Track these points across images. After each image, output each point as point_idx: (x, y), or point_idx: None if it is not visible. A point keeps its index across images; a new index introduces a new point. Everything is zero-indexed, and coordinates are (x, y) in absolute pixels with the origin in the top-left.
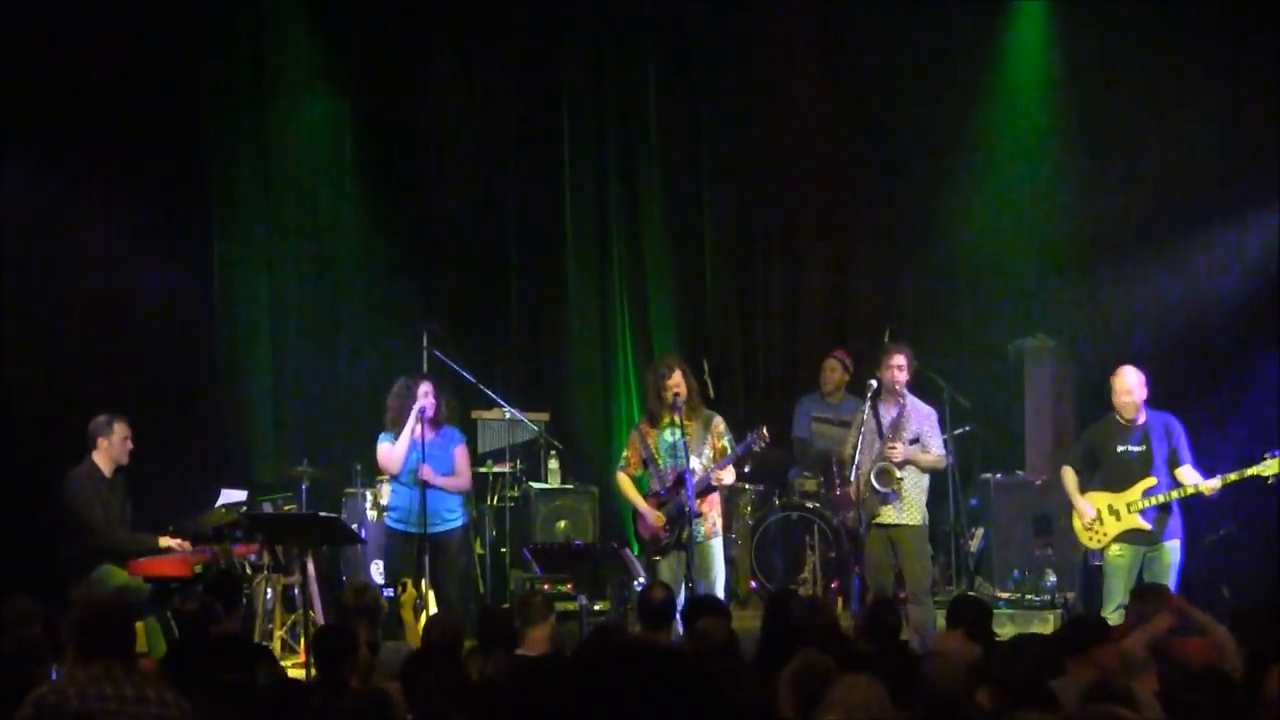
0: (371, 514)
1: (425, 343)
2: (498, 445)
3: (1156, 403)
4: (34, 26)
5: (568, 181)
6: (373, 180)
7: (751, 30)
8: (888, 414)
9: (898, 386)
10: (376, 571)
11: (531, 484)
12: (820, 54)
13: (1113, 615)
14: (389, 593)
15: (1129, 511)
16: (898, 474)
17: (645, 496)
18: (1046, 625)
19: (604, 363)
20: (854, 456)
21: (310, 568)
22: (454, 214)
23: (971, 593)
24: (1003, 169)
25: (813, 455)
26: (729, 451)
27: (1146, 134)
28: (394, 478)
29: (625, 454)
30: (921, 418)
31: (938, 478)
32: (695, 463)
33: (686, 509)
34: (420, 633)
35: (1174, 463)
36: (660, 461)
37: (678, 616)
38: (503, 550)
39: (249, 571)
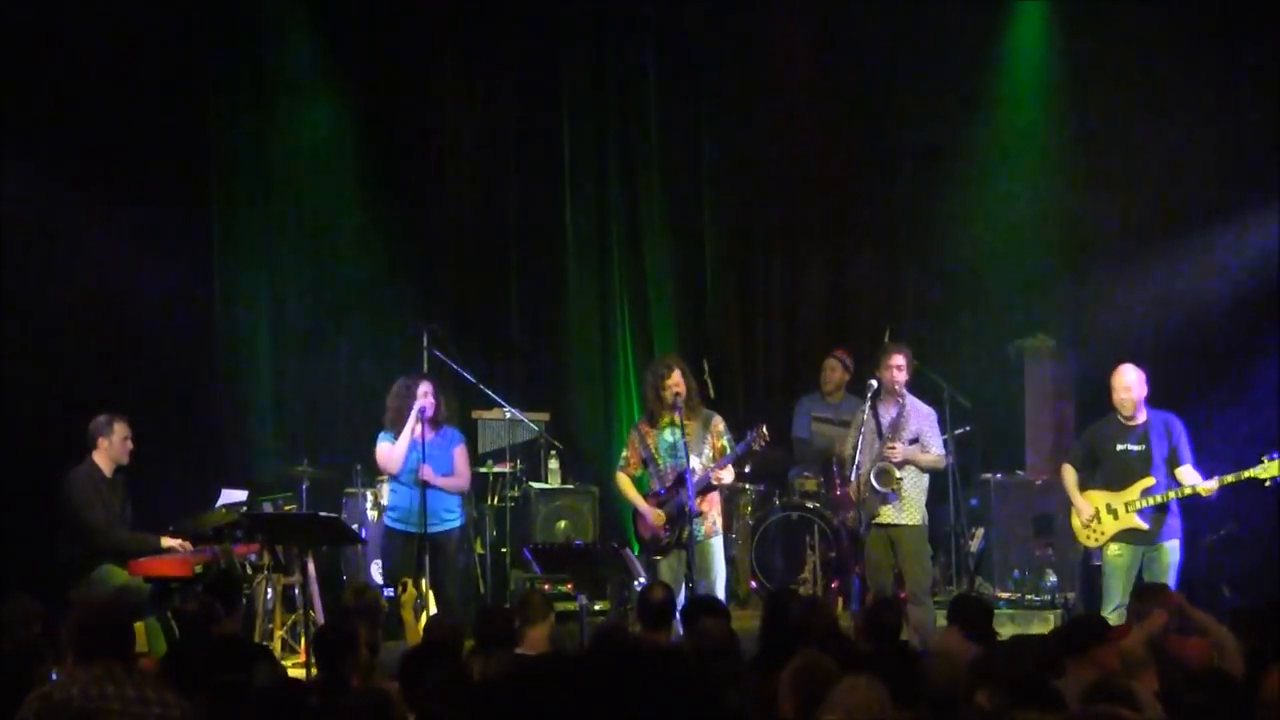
0: (372, 514)
1: (425, 343)
2: (498, 445)
3: (1156, 402)
4: (34, 26)
5: (568, 181)
6: (373, 180)
7: (751, 30)
8: (887, 414)
9: (897, 386)
10: (376, 571)
11: (531, 484)
12: (820, 54)
13: (1112, 616)
14: (389, 593)
15: (1127, 511)
16: (897, 474)
17: (645, 496)
18: (1046, 625)
19: (604, 363)
20: (854, 456)
21: (310, 568)
22: (454, 214)
23: (972, 593)
24: (1002, 169)
25: (813, 455)
26: (728, 451)
27: (1146, 134)
28: (393, 477)
29: (625, 454)
30: (921, 418)
31: (938, 478)
32: (695, 462)
33: (687, 508)
34: (420, 633)
35: (1174, 462)
36: (660, 461)
37: (678, 616)
38: (503, 550)
39: (249, 571)
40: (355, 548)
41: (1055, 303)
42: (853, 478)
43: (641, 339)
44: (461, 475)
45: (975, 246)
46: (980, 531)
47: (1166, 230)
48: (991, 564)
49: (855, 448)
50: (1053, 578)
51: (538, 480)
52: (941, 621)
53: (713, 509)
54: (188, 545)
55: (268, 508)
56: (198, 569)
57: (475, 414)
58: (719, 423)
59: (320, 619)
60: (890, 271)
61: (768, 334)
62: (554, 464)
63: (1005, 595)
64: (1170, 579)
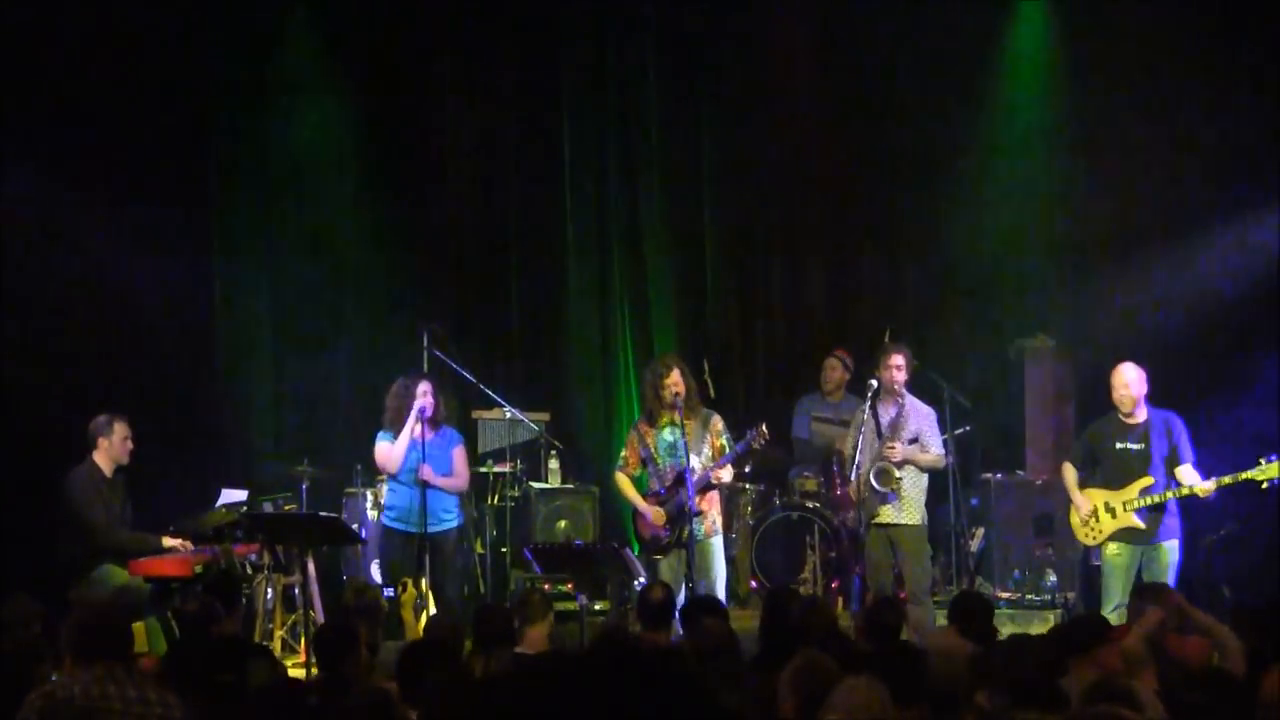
0: (372, 514)
1: (425, 343)
2: (498, 445)
3: (1156, 402)
4: (34, 26)
5: (568, 181)
6: (373, 180)
7: (751, 30)
8: (886, 414)
9: (896, 386)
10: (376, 571)
11: (532, 484)
12: (820, 54)
13: (1112, 616)
14: (389, 592)
15: (1125, 510)
16: (896, 474)
17: (644, 496)
18: (1047, 625)
19: (604, 363)
20: (854, 456)
21: (310, 568)
22: (454, 214)
23: (973, 592)
24: (1003, 169)
25: (813, 455)
26: (727, 450)
27: (1146, 134)
28: (392, 477)
29: (624, 454)
30: (920, 417)
31: (937, 477)
32: (694, 461)
33: (687, 507)
34: (420, 633)
35: (1174, 462)
36: (659, 461)
37: (677, 616)
38: (503, 550)
39: (249, 571)
40: (355, 548)
41: (1055, 303)
42: (853, 477)
43: (641, 339)
44: (460, 476)
45: (975, 246)
46: (980, 531)
47: (1166, 230)
48: (991, 564)
49: (855, 447)
50: (1053, 578)
51: (538, 480)
52: (942, 621)
53: (712, 508)
54: (188, 545)
55: (268, 508)
56: (198, 569)
57: (475, 414)
58: (718, 422)
59: (320, 619)
60: (890, 271)
61: (768, 334)
62: (554, 464)
63: (1005, 595)
64: (1169, 579)
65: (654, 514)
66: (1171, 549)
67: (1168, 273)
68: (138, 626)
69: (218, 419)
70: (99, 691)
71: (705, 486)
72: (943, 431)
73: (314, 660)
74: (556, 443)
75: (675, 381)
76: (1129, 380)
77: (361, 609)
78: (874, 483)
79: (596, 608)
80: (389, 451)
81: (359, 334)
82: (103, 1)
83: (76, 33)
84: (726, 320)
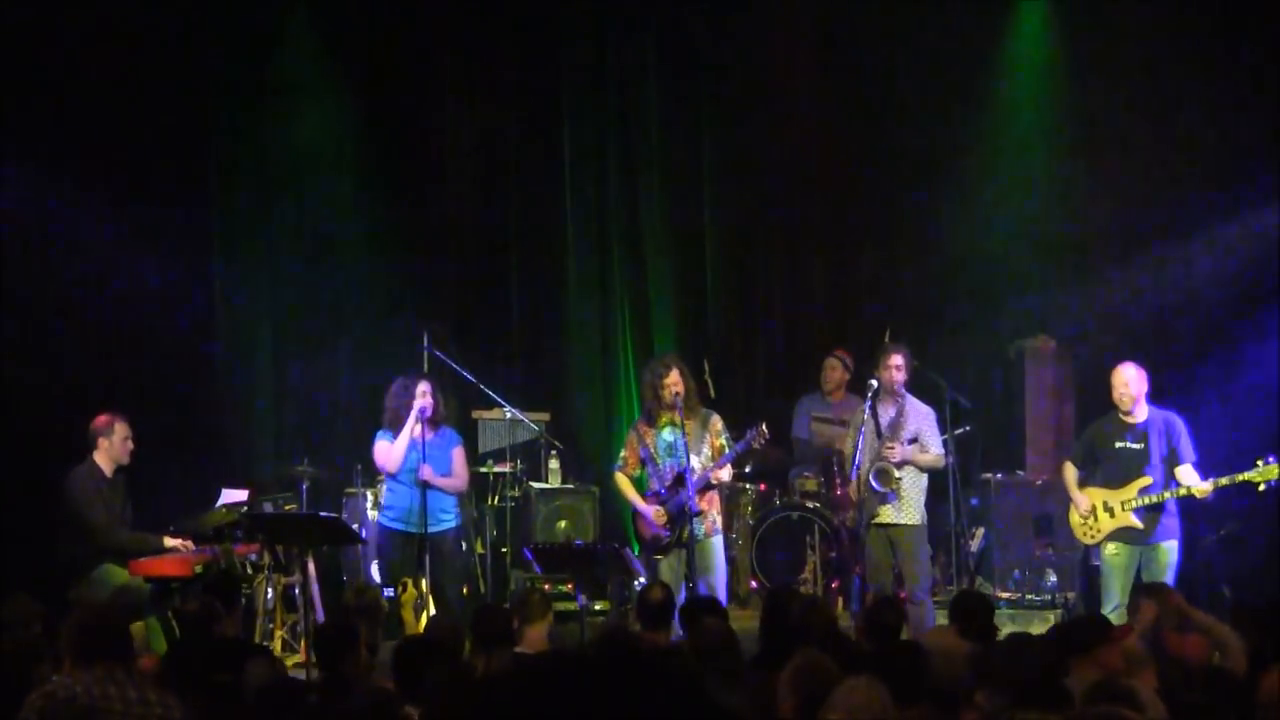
0: (372, 514)
1: (425, 343)
2: (498, 445)
3: (1155, 402)
4: (34, 26)
5: (568, 181)
6: (373, 180)
7: (752, 30)
8: (886, 414)
9: (896, 387)
10: (376, 571)
11: (532, 484)
12: (820, 54)
13: (1111, 616)
14: (389, 592)
15: (1123, 509)
16: (896, 474)
17: (644, 496)
18: (1047, 625)
19: (604, 363)
20: (854, 456)
21: (310, 568)
22: (454, 214)
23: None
24: (1003, 169)
25: (813, 455)
26: (727, 449)
27: (1145, 134)
28: (391, 476)
29: (623, 453)
30: (920, 417)
31: (937, 477)
32: (694, 461)
33: (687, 507)
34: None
35: (1173, 462)
36: (659, 461)
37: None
38: (503, 550)
39: (249, 571)
40: (355, 548)
41: (1055, 303)
42: (853, 477)
43: (641, 339)
44: (459, 476)
45: (975, 246)
46: (980, 531)
47: (1166, 230)
48: (991, 564)
49: (855, 447)
50: (1053, 578)
51: (538, 480)
52: (942, 621)
53: (712, 508)
54: (189, 545)
55: (268, 508)
56: (198, 569)
57: (475, 414)
58: (717, 421)
59: (320, 619)
60: (890, 271)
61: (768, 334)
62: (554, 464)
63: (1005, 595)
64: (1168, 580)
65: (654, 514)
66: (1170, 549)
67: (1167, 273)
68: (137, 626)
69: (218, 419)
70: (100, 692)
71: (705, 486)
72: (943, 431)
73: (314, 660)
74: (556, 443)
75: (675, 381)
76: (1129, 379)
77: (361, 609)
78: (873, 483)
79: (596, 608)
80: (388, 451)
81: (359, 334)
82: (103, 1)
83: (76, 33)
84: (726, 320)
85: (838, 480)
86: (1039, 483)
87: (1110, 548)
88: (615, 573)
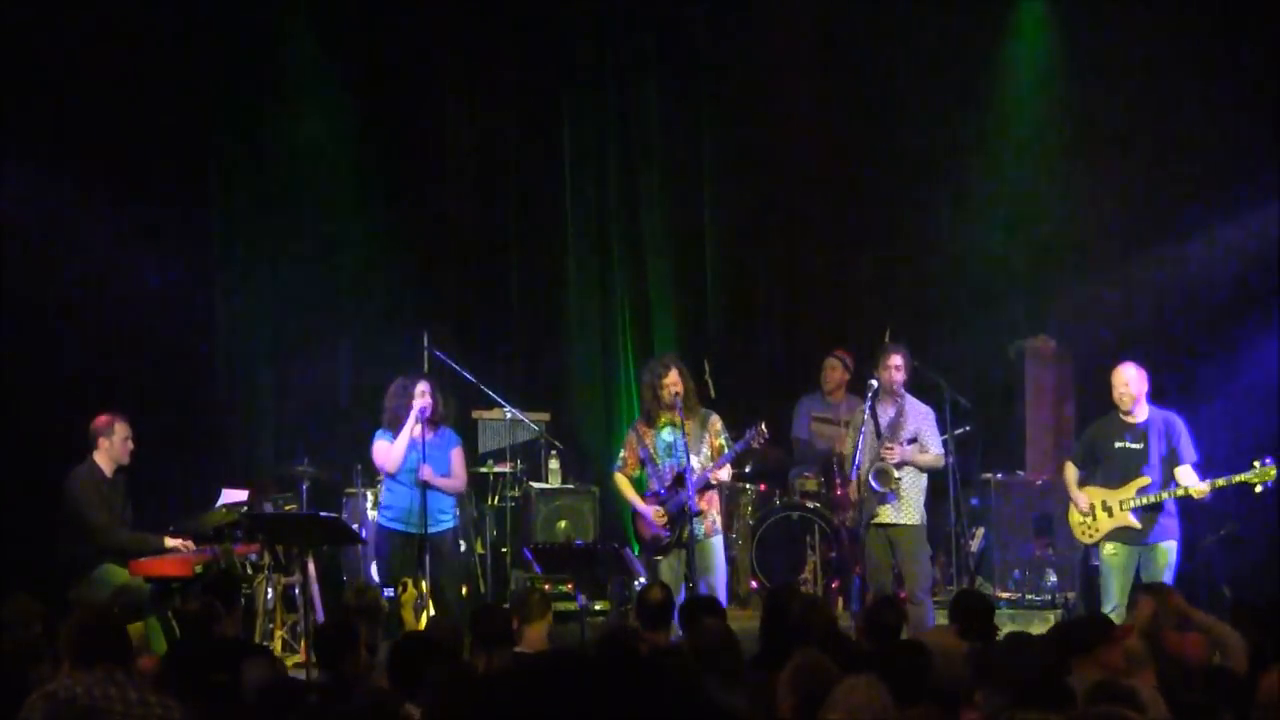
0: (372, 514)
1: (425, 343)
2: (498, 445)
3: (1155, 402)
4: (35, 26)
5: (568, 181)
6: (373, 180)
7: (752, 31)
8: (886, 414)
9: (895, 387)
10: (376, 572)
11: (532, 484)
12: (820, 54)
13: (1110, 616)
14: (388, 593)
15: (1121, 509)
16: (895, 474)
17: (644, 496)
18: (1047, 625)
19: (604, 363)
20: (854, 456)
21: (310, 568)
22: (454, 214)
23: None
24: (1003, 169)
25: (813, 455)
26: (726, 449)
27: (1146, 133)
28: (391, 476)
29: (622, 454)
30: (919, 417)
31: (937, 477)
32: (694, 461)
33: (687, 507)
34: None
35: (1173, 462)
36: (658, 461)
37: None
38: (503, 550)
39: (249, 571)
40: (355, 548)
41: (1055, 303)
42: (853, 477)
43: (641, 339)
44: (458, 477)
45: (975, 246)
46: (980, 531)
47: (1166, 230)
48: (991, 564)
49: (855, 448)
50: (1053, 578)
51: (538, 480)
52: (942, 621)
53: (712, 508)
54: (190, 545)
55: (268, 508)
56: (198, 569)
57: (475, 414)
58: (716, 421)
59: (320, 619)
60: (890, 271)
61: (768, 334)
62: (554, 464)
63: (1005, 595)
64: (1166, 580)
65: (654, 514)
66: (1169, 550)
67: (1167, 272)
68: (137, 626)
69: (218, 419)
70: (100, 693)
71: (704, 486)
72: (942, 431)
73: (314, 660)
74: (556, 443)
75: (673, 381)
76: (1129, 379)
77: (361, 609)
78: (873, 483)
79: (596, 608)
80: (388, 451)
81: (359, 334)
82: (103, 1)
83: (76, 33)
84: (726, 320)
85: (838, 480)
86: (1039, 483)
87: (1108, 547)
88: (615, 573)
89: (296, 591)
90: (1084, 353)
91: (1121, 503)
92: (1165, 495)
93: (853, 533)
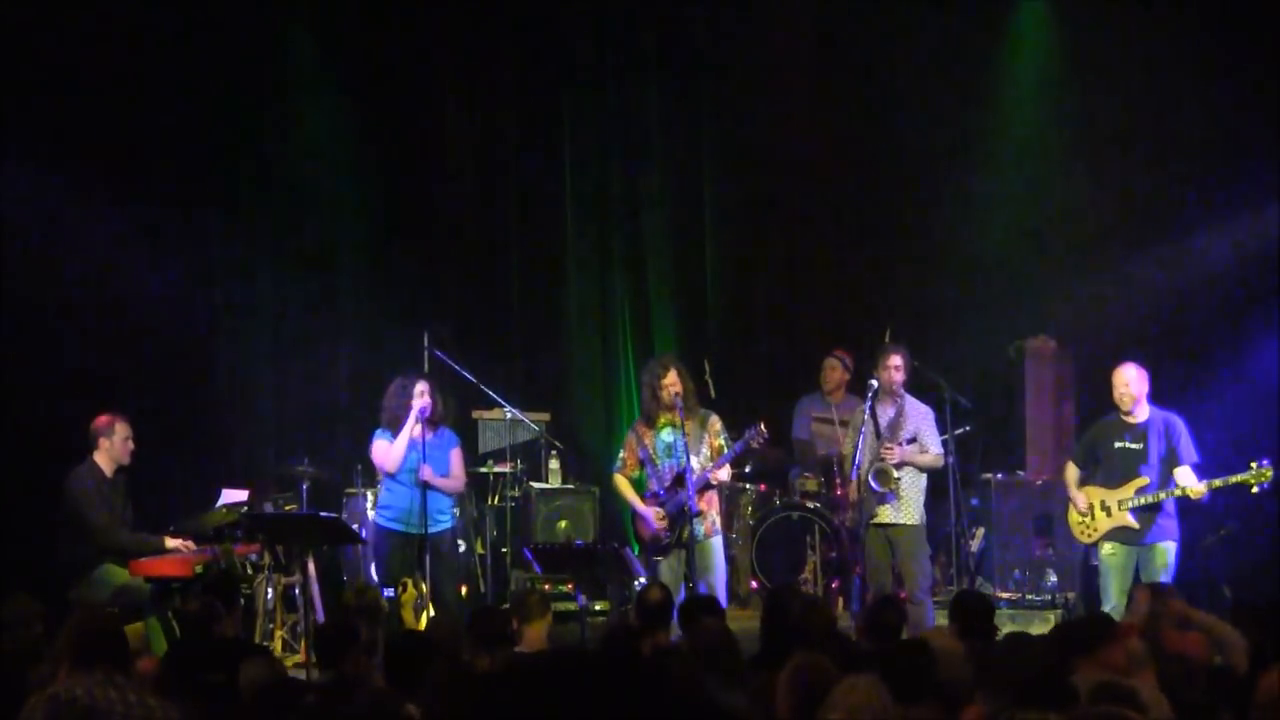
0: (372, 514)
1: (426, 342)
2: (498, 445)
3: (1154, 401)
4: (35, 26)
5: (568, 181)
6: (373, 180)
7: (753, 30)
8: (885, 414)
9: (895, 387)
10: (375, 572)
11: (532, 484)
12: (820, 53)
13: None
14: (388, 593)
15: (1119, 509)
16: (895, 474)
17: (643, 497)
18: (1047, 625)
19: (604, 363)
20: (854, 456)
21: (310, 568)
22: (454, 214)
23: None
24: (1003, 168)
25: (813, 456)
26: (726, 450)
27: (1146, 133)
28: (390, 476)
29: (621, 455)
30: (919, 417)
31: (937, 477)
32: (694, 462)
33: (687, 508)
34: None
35: (1172, 463)
36: (658, 462)
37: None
38: (503, 550)
39: (249, 571)
40: (355, 548)
41: (1055, 303)
42: (853, 478)
43: (641, 339)
44: (457, 478)
45: (975, 246)
46: (980, 531)
47: (1166, 230)
48: (991, 564)
49: (855, 448)
50: (1053, 578)
51: (538, 480)
52: (942, 621)
53: (712, 508)
54: (190, 545)
55: (268, 508)
56: (198, 569)
57: (475, 414)
58: (716, 422)
59: (320, 619)
60: (890, 271)
61: (768, 334)
62: (554, 464)
63: (1005, 595)
64: (1165, 581)
65: (655, 515)
66: (1167, 550)
67: (1167, 272)
68: (137, 626)
69: (218, 419)
70: (101, 695)
71: (704, 486)
72: (942, 431)
73: (314, 660)
74: (556, 443)
75: (672, 382)
76: (1129, 380)
77: (361, 609)
78: (872, 483)
79: (596, 608)
80: (387, 450)
81: (359, 334)
82: (103, 1)
83: (76, 33)
84: (726, 320)
85: (838, 480)
86: (1039, 483)
87: (1107, 547)
88: (615, 573)
89: (296, 591)
90: (1084, 353)
91: (1120, 503)
92: (1163, 495)
93: (853, 533)
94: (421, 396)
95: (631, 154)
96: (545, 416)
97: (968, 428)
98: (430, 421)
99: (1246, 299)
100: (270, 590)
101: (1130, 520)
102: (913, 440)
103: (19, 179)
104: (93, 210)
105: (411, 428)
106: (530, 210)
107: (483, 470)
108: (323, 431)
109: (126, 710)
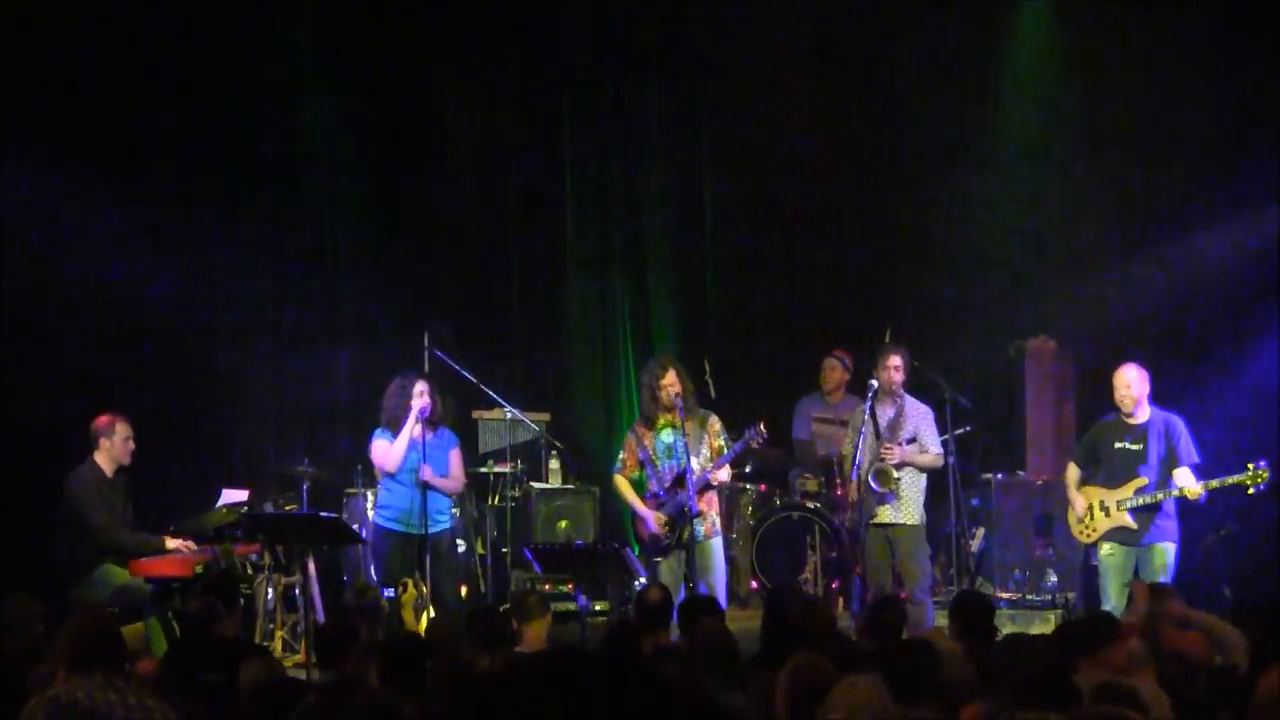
0: (372, 514)
1: (426, 343)
2: (498, 445)
3: (1154, 402)
4: (35, 26)
5: (568, 181)
6: (373, 180)
7: (752, 30)
8: (885, 415)
9: (895, 387)
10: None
11: (532, 484)
12: (820, 54)
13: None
14: (388, 593)
15: (1118, 509)
16: (895, 474)
17: (643, 498)
18: (1047, 625)
19: (604, 363)
20: (854, 456)
21: (311, 568)
22: (454, 214)
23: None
24: (1003, 168)
25: (813, 456)
26: (726, 450)
27: (1146, 133)
28: (390, 476)
29: (621, 455)
30: (919, 417)
31: (937, 477)
32: (694, 462)
33: (687, 508)
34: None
35: (1171, 463)
36: (658, 463)
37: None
38: (503, 550)
39: (250, 571)
40: (355, 548)
41: (1055, 303)
42: (853, 478)
43: (641, 339)
44: (457, 478)
45: (975, 246)
46: (980, 531)
47: (1167, 230)
48: (991, 564)
49: (855, 448)
50: (1053, 578)
51: (538, 480)
52: (943, 621)
53: (712, 509)
54: (190, 545)
55: (268, 508)
56: (198, 569)
57: (475, 414)
58: (715, 422)
59: (320, 619)
60: (890, 271)
61: (768, 334)
62: (554, 464)
63: (1005, 595)
64: (1164, 582)
65: (654, 517)
66: (1166, 551)
67: (1167, 272)
68: (137, 627)
69: (218, 419)
70: (100, 697)
71: (704, 487)
72: (942, 431)
73: (314, 660)
74: (556, 443)
75: (672, 382)
76: (1130, 380)
77: (361, 609)
78: (872, 483)
79: (596, 608)
80: (387, 450)
81: (359, 334)
82: (103, 1)
83: (76, 33)
84: (726, 320)
85: (838, 480)
86: (1039, 483)
87: (1106, 548)
88: (615, 573)
89: (296, 591)
90: (1084, 353)
91: (1119, 503)
92: (1162, 496)
93: (853, 533)
94: (421, 396)
95: (631, 154)
96: (545, 416)
97: (968, 428)
98: (430, 421)
99: (1246, 299)
100: (270, 590)
101: (1129, 521)
102: (913, 440)
103: (19, 179)
104: (93, 210)
105: (411, 428)
106: (530, 210)
107: (483, 470)
108: (323, 431)
109: (127, 713)
